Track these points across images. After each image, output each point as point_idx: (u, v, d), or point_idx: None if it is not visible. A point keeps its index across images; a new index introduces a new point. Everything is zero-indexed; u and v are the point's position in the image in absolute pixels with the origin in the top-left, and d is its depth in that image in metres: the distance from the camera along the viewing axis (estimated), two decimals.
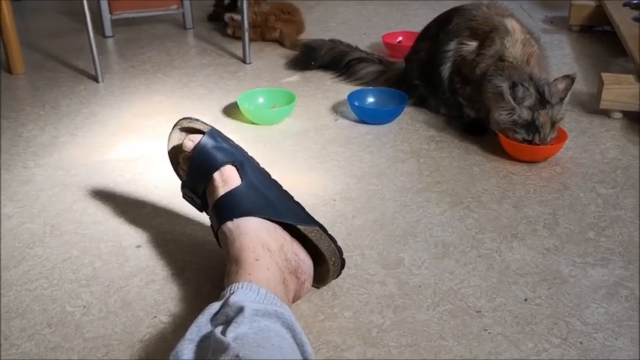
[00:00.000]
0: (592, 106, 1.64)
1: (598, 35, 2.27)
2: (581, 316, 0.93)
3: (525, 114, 1.33)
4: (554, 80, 1.37)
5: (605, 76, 1.58)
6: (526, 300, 0.96)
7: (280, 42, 2.23)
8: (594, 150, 1.43)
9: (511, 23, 1.47)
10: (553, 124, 1.36)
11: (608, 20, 2.10)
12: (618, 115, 1.59)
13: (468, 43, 1.50)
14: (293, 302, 0.93)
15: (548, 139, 1.36)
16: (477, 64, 1.46)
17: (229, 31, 2.28)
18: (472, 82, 1.48)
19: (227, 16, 2.29)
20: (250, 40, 2.16)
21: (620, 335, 0.89)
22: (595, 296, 0.97)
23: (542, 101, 1.34)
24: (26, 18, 2.69)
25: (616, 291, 0.98)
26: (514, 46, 1.42)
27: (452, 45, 1.54)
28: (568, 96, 1.37)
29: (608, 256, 1.07)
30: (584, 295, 0.97)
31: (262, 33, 2.26)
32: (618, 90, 1.55)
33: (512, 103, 1.33)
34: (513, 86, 1.32)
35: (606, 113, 1.60)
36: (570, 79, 1.37)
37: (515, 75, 1.36)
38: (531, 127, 1.34)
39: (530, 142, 1.36)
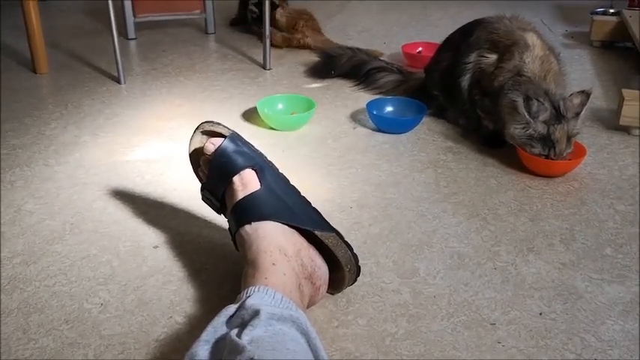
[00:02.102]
0: (612, 123, 1.63)
1: (619, 51, 2.27)
2: (596, 332, 0.93)
3: (540, 128, 1.33)
4: (570, 95, 1.37)
5: (625, 92, 1.58)
6: (541, 314, 0.96)
7: (308, 46, 2.25)
8: (613, 166, 1.43)
9: (532, 38, 1.47)
10: (569, 138, 1.36)
11: (630, 36, 2.09)
12: (638, 131, 1.58)
13: (488, 55, 1.51)
14: (307, 308, 0.94)
15: (565, 154, 1.36)
16: (496, 77, 1.47)
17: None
18: (490, 95, 1.48)
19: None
20: (275, 46, 2.19)
21: (635, 353, 0.89)
22: (611, 313, 0.97)
23: (558, 116, 1.34)
24: (51, 18, 2.73)
25: (632, 308, 0.98)
26: (533, 62, 1.43)
27: (472, 57, 1.54)
28: (584, 111, 1.37)
29: (625, 273, 1.06)
30: (600, 311, 0.97)
31: (289, 39, 2.27)
32: (639, 106, 1.54)
33: (527, 117, 1.33)
34: (527, 100, 1.32)
35: (626, 130, 1.59)
36: (586, 94, 1.36)
37: (531, 90, 1.36)
38: (547, 141, 1.34)
39: (546, 157, 1.36)
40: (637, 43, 1.97)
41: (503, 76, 1.45)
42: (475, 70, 1.52)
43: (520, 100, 1.34)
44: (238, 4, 2.60)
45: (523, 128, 1.35)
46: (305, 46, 2.26)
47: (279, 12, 2.32)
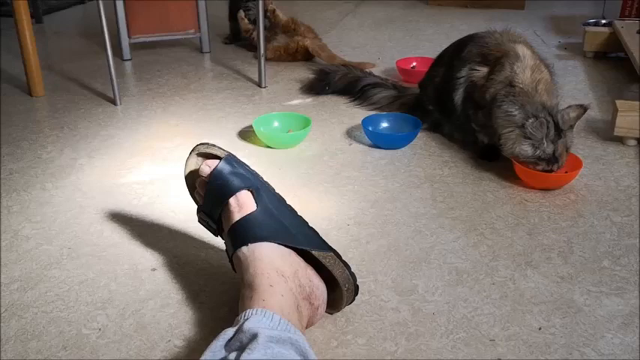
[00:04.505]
0: (606, 133, 1.64)
1: (612, 62, 2.28)
2: (595, 346, 0.92)
3: (549, 149, 1.34)
4: (567, 108, 1.38)
5: (619, 103, 1.58)
6: (540, 329, 0.96)
7: (314, 54, 2.27)
8: (609, 177, 1.43)
9: (522, 49, 1.48)
10: (567, 149, 1.38)
11: (622, 47, 2.10)
12: (633, 142, 1.58)
13: (479, 68, 1.52)
14: (307, 328, 0.93)
15: (564, 164, 1.38)
16: (487, 89, 1.47)
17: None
18: (483, 108, 1.49)
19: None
20: (271, 59, 2.21)
21: None
22: (610, 326, 0.96)
23: (558, 131, 1.35)
24: (46, 40, 2.74)
25: (631, 321, 0.97)
26: (524, 72, 1.43)
27: (464, 71, 1.55)
28: (576, 123, 1.38)
29: (624, 286, 1.06)
30: (599, 324, 0.97)
31: (287, 46, 2.28)
32: (633, 117, 1.55)
33: (544, 140, 1.33)
34: (540, 123, 1.33)
35: (621, 140, 1.60)
36: (583, 108, 1.38)
37: (527, 104, 1.37)
38: (552, 159, 1.35)
39: (548, 172, 1.36)
40: (629, 54, 1.98)
41: (495, 88, 1.45)
42: (467, 83, 1.53)
43: (537, 123, 1.33)
44: (229, 24, 2.62)
45: (534, 149, 1.35)
46: (303, 49, 2.26)
47: (276, 13, 2.33)
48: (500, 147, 1.42)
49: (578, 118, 1.37)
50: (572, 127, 1.37)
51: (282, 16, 2.35)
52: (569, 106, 1.38)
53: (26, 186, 1.42)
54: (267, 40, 2.27)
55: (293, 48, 2.28)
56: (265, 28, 2.23)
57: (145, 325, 0.97)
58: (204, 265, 1.12)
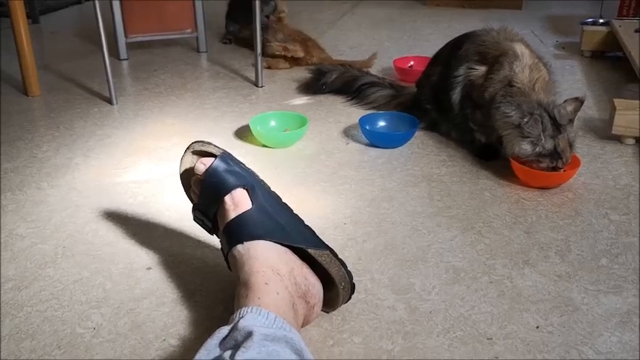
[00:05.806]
0: (604, 132, 1.63)
1: (610, 61, 2.28)
2: (593, 344, 0.92)
3: (549, 144, 1.33)
4: (564, 102, 1.37)
5: (617, 101, 1.58)
6: (538, 327, 0.95)
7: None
8: (607, 176, 1.43)
9: (520, 48, 1.48)
10: (570, 145, 1.37)
11: (620, 46, 2.10)
12: (631, 141, 1.58)
13: (477, 67, 1.51)
14: (302, 327, 0.93)
15: (569, 160, 1.38)
16: (486, 88, 1.47)
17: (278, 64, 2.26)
18: (482, 107, 1.48)
19: (277, 45, 2.26)
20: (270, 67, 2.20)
21: None
22: (608, 324, 0.96)
23: (557, 126, 1.34)
24: (43, 40, 2.74)
25: (629, 319, 0.97)
26: (523, 72, 1.43)
27: (461, 70, 1.54)
28: (576, 117, 1.38)
29: (621, 284, 1.05)
30: (597, 323, 0.96)
31: (305, 60, 2.27)
32: (631, 116, 1.55)
33: (542, 135, 1.33)
34: (534, 120, 1.32)
35: (618, 139, 1.59)
36: (579, 101, 1.37)
37: (523, 103, 1.36)
38: (554, 154, 1.34)
39: (554, 169, 1.36)
40: (627, 53, 1.97)
41: (494, 87, 1.45)
42: (465, 83, 1.53)
43: (531, 120, 1.33)
44: (225, 23, 2.62)
45: (532, 147, 1.35)
46: (310, 64, 2.27)
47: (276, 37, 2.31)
48: (503, 149, 1.41)
49: (576, 111, 1.37)
50: (571, 121, 1.36)
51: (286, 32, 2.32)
52: (565, 101, 1.37)
53: (21, 185, 1.41)
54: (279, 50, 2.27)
55: (308, 60, 2.28)
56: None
57: (140, 324, 0.96)
58: (199, 263, 1.11)
